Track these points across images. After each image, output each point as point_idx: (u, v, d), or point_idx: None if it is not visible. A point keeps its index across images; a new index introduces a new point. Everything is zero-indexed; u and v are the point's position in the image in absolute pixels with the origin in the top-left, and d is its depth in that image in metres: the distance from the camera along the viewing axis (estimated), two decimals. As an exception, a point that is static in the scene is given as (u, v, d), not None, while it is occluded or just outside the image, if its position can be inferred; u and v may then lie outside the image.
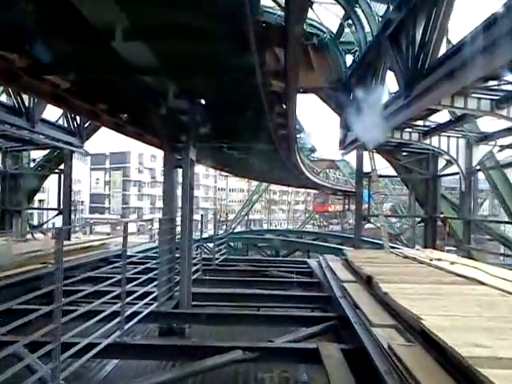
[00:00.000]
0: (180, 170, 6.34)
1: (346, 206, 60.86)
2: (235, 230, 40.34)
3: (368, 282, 6.31)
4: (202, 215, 11.67)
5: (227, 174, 42.58)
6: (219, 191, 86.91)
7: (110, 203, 78.69)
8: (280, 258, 11.32)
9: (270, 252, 21.05)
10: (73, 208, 62.83)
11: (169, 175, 6.37)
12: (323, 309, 6.93)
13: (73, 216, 70.75)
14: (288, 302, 7.06)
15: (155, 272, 6.14)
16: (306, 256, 20.52)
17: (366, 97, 8.44)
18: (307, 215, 67.75)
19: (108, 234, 55.82)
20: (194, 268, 8.09)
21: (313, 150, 32.31)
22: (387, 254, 8.90)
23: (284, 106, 6.99)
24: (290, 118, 8.11)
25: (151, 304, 5.78)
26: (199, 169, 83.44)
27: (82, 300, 4.47)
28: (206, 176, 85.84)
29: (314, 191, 57.87)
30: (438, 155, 10.80)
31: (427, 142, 9.53)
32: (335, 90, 10.49)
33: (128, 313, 5.07)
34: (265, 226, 77.84)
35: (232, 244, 22.46)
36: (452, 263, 7.36)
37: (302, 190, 69.93)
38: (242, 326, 5.89)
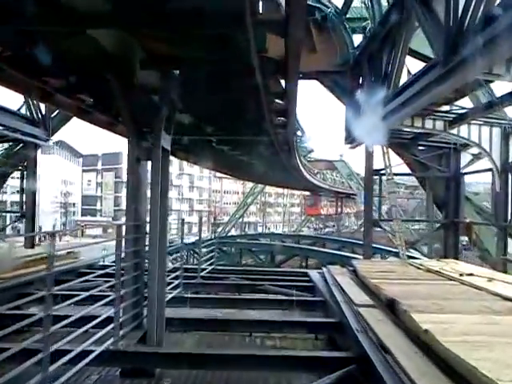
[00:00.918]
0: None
1: (339, 209, 59.41)
2: (229, 234, 38.98)
3: (391, 307, 4.89)
4: (182, 219, 10.22)
5: (223, 174, 40.99)
6: (214, 193, 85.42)
7: (101, 205, 76.99)
8: (276, 269, 9.85)
9: (266, 258, 19.62)
10: (63, 210, 60.87)
11: (134, 169, 4.94)
12: (332, 340, 5.51)
13: (64, 218, 69.16)
14: (287, 330, 5.64)
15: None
16: (304, 262, 19.15)
17: (381, 79, 7.06)
18: (303, 218, 66.25)
19: (94, 237, 54.24)
20: (172, 285, 6.65)
21: (310, 151, 30.97)
22: (405, 267, 7.50)
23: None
24: (290, 101, 6.72)
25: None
26: (194, 170, 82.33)
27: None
28: (200, 178, 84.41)
29: (306, 193, 55.87)
30: (460, 150, 9.39)
31: (454, 131, 8.08)
32: (341, 74, 9.11)
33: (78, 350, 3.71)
34: (260, 229, 76.66)
35: (225, 249, 21.05)
36: (490, 280, 5.96)
37: (298, 192, 68.60)
38: (228, 371, 4.46)
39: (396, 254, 12.11)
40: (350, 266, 8.49)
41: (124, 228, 5.27)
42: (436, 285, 5.95)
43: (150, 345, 4.70)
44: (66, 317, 3.85)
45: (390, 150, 9.05)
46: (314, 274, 8.81)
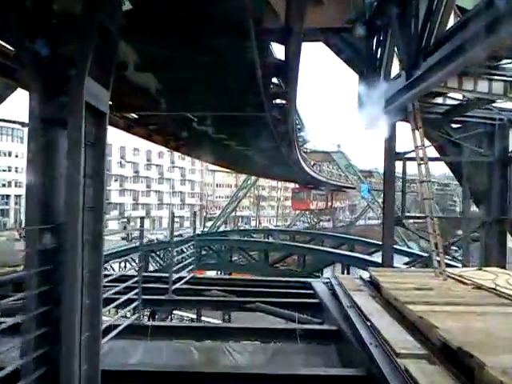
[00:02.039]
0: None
1: (330, 203, 56.90)
2: (221, 229, 37.05)
3: (448, 356, 3.05)
4: (141, 217, 8.28)
5: (220, 167, 38.74)
6: (206, 186, 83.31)
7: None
8: (271, 279, 7.88)
9: (259, 257, 17.72)
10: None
11: (37, 138, 3.01)
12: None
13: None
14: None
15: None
16: (302, 261, 17.31)
17: (413, 28, 5.16)
18: (297, 212, 64.31)
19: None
20: (125, 310, 4.76)
21: (305, 141, 29.03)
22: (442, 280, 5.65)
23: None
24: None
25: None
26: (185, 163, 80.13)
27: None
28: (192, 171, 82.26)
29: (293, 185, 52.31)
30: (510, 127, 7.47)
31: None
32: (353, 32, 7.21)
33: None
34: (253, 223, 74.89)
35: (214, 247, 19.16)
36: None
37: (291, 185, 66.62)
38: None
39: (418, 258, 10.32)
40: (364, 269, 6.63)
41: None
42: (505, 315, 4.08)
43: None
44: None
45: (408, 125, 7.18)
46: (318, 285, 6.94)
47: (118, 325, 4.27)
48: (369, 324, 4.14)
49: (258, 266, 17.40)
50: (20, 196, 66.09)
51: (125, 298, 4.56)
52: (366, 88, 6.93)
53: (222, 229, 39.02)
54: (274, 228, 48.08)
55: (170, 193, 63.17)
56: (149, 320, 6.34)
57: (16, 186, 64.80)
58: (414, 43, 4.90)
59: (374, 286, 6.00)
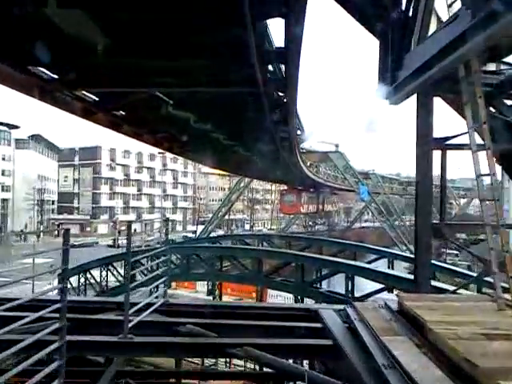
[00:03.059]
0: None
1: (321, 206, 54.44)
2: (211, 234, 35.23)
3: None
4: (129, 222, 6.46)
5: (213, 169, 36.59)
6: (199, 190, 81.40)
7: (79, 202, 72.40)
8: (266, 305, 6.05)
9: (252, 266, 15.92)
10: (38, 208, 57.06)
11: None
12: None
13: (39, 217, 65.22)
14: None
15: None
16: (300, 271, 15.51)
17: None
18: (291, 216, 62.40)
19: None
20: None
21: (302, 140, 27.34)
22: (508, 315, 3.93)
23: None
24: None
25: None
26: (178, 166, 78.01)
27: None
28: (184, 174, 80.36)
29: (282, 187, 48.80)
30: None
31: None
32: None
33: None
34: (247, 227, 73.17)
35: (202, 255, 17.34)
36: None
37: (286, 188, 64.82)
38: None
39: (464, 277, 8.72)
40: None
41: None
42: None
43: None
44: None
45: (444, 103, 5.49)
46: (328, 315, 5.15)
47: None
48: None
49: (251, 275, 15.64)
50: (7, 200, 63.89)
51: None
52: (390, 53, 5.23)
53: (214, 234, 37.24)
54: (268, 233, 45.91)
55: (161, 196, 61.16)
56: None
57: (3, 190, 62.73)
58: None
59: (410, 321, 4.27)
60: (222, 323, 5.02)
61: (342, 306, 5.44)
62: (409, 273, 13.93)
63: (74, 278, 19.77)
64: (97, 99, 7.00)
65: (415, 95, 5.05)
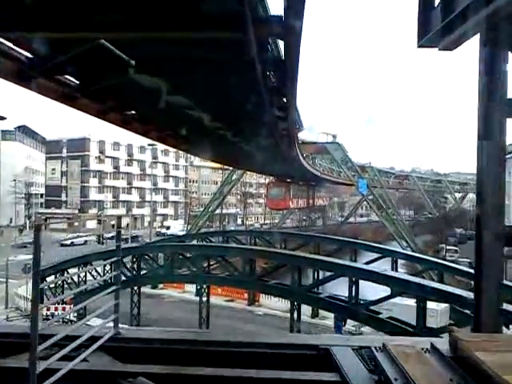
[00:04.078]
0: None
1: (311, 201, 51.96)
2: (202, 230, 33.59)
3: None
4: (119, 216, 4.50)
5: (211, 162, 34.70)
6: (191, 183, 79.47)
7: (67, 196, 70.22)
8: (258, 342, 4.12)
9: (244, 269, 14.26)
10: (26, 202, 54.98)
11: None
12: None
13: (27, 211, 63.20)
14: None
15: None
16: (297, 273, 13.92)
17: None
18: (285, 211, 60.64)
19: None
20: None
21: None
22: None
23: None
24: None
25: None
26: (169, 159, 75.93)
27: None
28: (176, 167, 78.37)
29: (269, 180, 45.02)
30: None
31: None
32: None
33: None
34: (239, 221, 71.64)
35: (188, 255, 15.68)
36: None
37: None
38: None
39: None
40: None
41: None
42: None
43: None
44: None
45: None
46: (345, 358, 3.45)
47: None
48: None
49: (242, 278, 14.00)
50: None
51: None
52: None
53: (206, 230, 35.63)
54: (260, 230, 43.99)
55: (151, 190, 59.28)
56: None
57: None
58: None
59: (475, 375, 2.64)
60: (192, 376, 3.29)
61: (361, 339, 3.74)
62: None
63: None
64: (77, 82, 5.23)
65: (477, 36, 3.41)
